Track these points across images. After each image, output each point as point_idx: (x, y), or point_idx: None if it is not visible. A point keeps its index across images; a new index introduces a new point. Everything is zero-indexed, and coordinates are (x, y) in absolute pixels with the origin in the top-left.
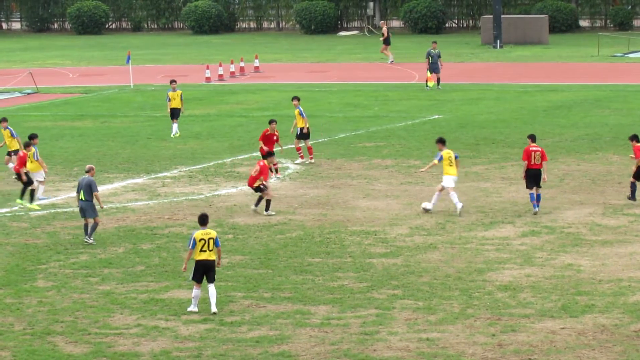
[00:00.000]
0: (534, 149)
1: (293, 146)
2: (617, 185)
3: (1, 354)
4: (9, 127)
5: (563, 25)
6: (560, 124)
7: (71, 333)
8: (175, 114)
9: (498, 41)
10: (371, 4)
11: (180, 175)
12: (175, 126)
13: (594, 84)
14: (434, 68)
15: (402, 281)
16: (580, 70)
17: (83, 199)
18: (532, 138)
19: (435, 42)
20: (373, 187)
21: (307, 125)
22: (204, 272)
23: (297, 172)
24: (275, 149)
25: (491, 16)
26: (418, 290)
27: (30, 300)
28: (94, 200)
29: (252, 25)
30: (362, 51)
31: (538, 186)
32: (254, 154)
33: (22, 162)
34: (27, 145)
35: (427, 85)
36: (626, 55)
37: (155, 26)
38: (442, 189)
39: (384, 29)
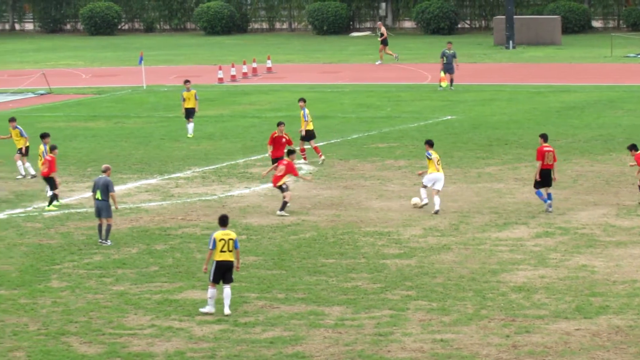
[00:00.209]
0: (547, 149)
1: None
2: (631, 186)
3: (16, 354)
4: (18, 126)
5: (576, 26)
6: (574, 125)
7: (85, 333)
8: (189, 113)
9: (511, 42)
10: (383, 5)
11: (194, 176)
12: (190, 126)
13: (607, 85)
14: (448, 68)
15: (416, 282)
16: (593, 71)
17: (99, 198)
18: (544, 138)
19: (450, 43)
20: (386, 188)
21: (305, 128)
22: (223, 273)
23: (310, 173)
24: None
25: (504, 17)
26: (432, 291)
27: (44, 301)
28: (110, 201)
29: (265, 26)
30: (375, 52)
31: (548, 186)
32: (267, 155)
33: (52, 166)
34: (53, 149)
35: (440, 86)
36: (639, 56)
37: (168, 27)
38: (438, 192)
39: (382, 29)
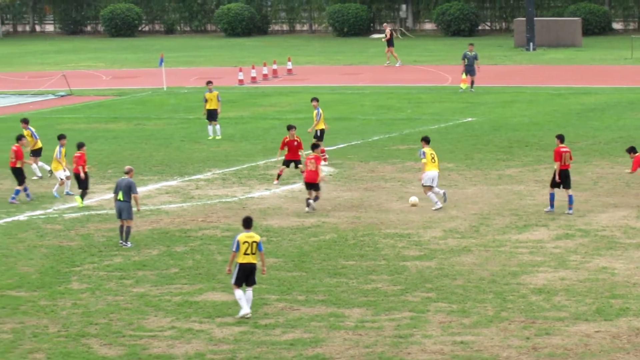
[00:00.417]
0: (564, 149)
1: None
2: None
3: (36, 356)
4: (30, 127)
5: (596, 27)
6: (594, 127)
7: (105, 335)
8: (212, 115)
9: (531, 44)
10: (404, 7)
11: (214, 178)
12: (216, 128)
13: (628, 87)
14: (469, 70)
15: (436, 284)
16: (613, 72)
17: (121, 199)
18: (561, 138)
19: (472, 44)
20: (407, 189)
21: (317, 127)
22: (246, 275)
23: (330, 175)
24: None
25: (524, 19)
26: (452, 293)
27: (64, 303)
28: (132, 202)
29: (285, 27)
30: (395, 53)
31: (566, 187)
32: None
33: (81, 162)
34: (80, 147)
35: (461, 88)
36: None
37: (188, 28)
38: (431, 187)
39: (387, 31)
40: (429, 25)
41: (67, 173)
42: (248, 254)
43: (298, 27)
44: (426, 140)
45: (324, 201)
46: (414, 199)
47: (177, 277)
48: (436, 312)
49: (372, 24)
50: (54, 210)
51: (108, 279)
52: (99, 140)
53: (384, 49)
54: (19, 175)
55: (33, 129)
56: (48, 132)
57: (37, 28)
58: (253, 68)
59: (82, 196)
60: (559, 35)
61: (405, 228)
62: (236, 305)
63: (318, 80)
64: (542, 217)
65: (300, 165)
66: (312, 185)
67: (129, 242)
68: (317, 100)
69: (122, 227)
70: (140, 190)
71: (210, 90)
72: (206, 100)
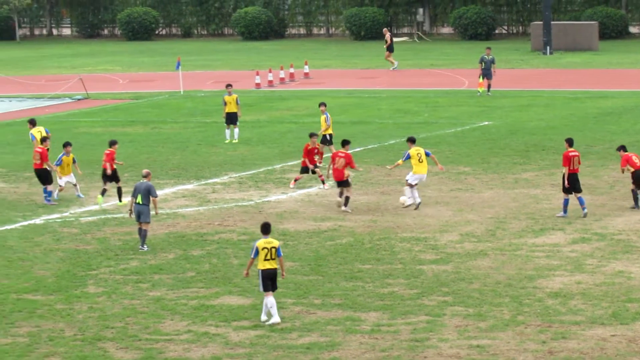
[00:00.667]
0: (573, 153)
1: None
2: None
3: None
4: (32, 132)
5: (613, 31)
6: (611, 131)
7: (122, 339)
8: (231, 118)
9: (548, 47)
10: (421, 10)
11: (230, 182)
12: (235, 131)
13: None
14: (486, 74)
15: (453, 288)
16: (630, 76)
17: (140, 202)
18: (570, 142)
19: (489, 48)
20: (423, 193)
21: (324, 131)
22: (271, 280)
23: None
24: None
25: (541, 22)
26: (468, 297)
27: (80, 306)
28: (150, 205)
29: (302, 31)
30: (412, 57)
31: (577, 191)
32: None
33: (111, 159)
34: (113, 144)
35: (478, 91)
36: None
37: (205, 32)
38: (411, 185)
39: (387, 36)
40: (445, 29)
41: (62, 182)
42: (268, 259)
43: (315, 30)
44: (412, 140)
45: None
46: (403, 199)
47: (193, 281)
48: (452, 315)
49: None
50: (71, 213)
51: (124, 283)
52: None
53: (395, 53)
54: (45, 176)
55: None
56: (65, 135)
57: (54, 31)
58: (270, 72)
59: (119, 194)
60: (575, 39)
61: (421, 232)
62: (253, 309)
63: (335, 84)
64: (559, 221)
65: (317, 170)
66: (342, 183)
67: (145, 246)
68: (324, 105)
69: (140, 229)
70: (157, 193)
71: (230, 94)
72: (225, 104)
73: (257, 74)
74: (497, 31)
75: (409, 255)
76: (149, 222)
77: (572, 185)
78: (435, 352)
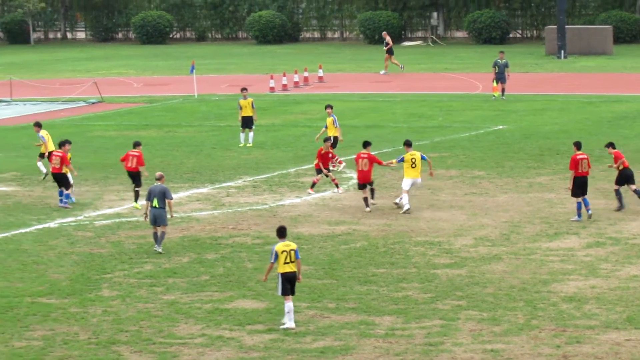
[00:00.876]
0: (581, 156)
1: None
2: None
3: None
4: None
5: (627, 35)
6: (625, 135)
7: (136, 342)
8: (247, 122)
9: (562, 52)
10: (435, 14)
11: (245, 185)
12: (249, 135)
13: None
14: (500, 78)
15: (467, 292)
16: None
17: (156, 206)
18: (578, 145)
19: (502, 52)
20: (437, 197)
21: (339, 135)
22: (291, 283)
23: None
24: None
25: (555, 26)
26: (482, 301)
27: (95, 310)
28: (166, 208)
29: (316, 35)
30: (426, 61)
31: (584, 194)
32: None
33: (140, 161)
34: (137, 145)
35: (493, 96)
36: None
37: (219, 36)
38: (405, 190)
39: (387, 39)
40: (460, 33)
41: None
42: (288, 263)
43: (329, 34)
44: (408, 144)
45: (355, 209)
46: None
47: (207, 285)
48: (467, 320)
49: (403, 32)
50: (85, 217)
51: (138, 286)
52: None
53: (410, 57)
54: (64, 180)
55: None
56: (79, 139)
57: (69, 35)
58: (284, 75)
59: (136, 197)
60: (590, 43)
61: (435, 236)
62: (267, 312)
63: (349, 87)
64: (573, 225)
65: (330, 174)
66: (366, 184)
67: (160, 247)
68: (331, 107)
69: (155, 233)
70: (172, 196)
71: (245, 97)
72: (241, 108)
73: (272, 77)
74: (511, 35)
75: (423, 259)
76: (166, 225)
77: (581, 187)
78: (449, 356)
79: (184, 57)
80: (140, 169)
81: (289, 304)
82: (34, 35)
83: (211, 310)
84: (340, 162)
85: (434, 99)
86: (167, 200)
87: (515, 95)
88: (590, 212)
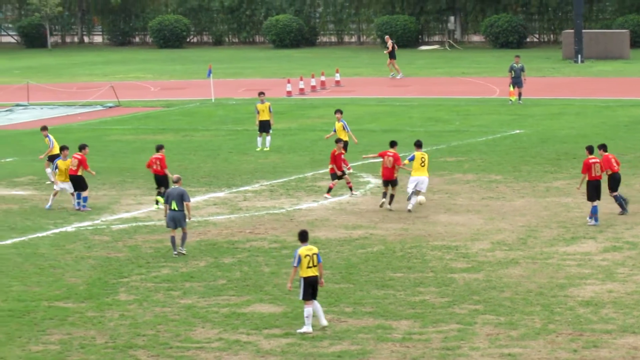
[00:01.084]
0: (594, 160)
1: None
2: None
3: None
4: (49, 135)
5: None
6: None
7: (153, 347)
8: (264, 126)
9: (579, 56)
10: (452, 18)
11: (262, 189)
12: (266, 139)
13: None
14: (516, 82)
15: (484, 296)
16: None
17: (175, 208)
18: (590, 150)
19: (517, 56)
20: (454, 201)
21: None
22: (313, 288)
23: (378, 187)
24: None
25: (572, 31)
26: (499, 305)
27: (112, 314)
28: (185, 210)
29: (333, 39)
30: (443, 65)
31: (599, 198)
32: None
33: (163, 164)
34: (159, 148)
35: (510, 100)
36: None
37: (236, 40)
38: (414, 191)
39: (389, 43)
40: (477, 37)
41: (58, 187)
42: (311, 267)
43: (346, 38)
44: (418, 145)
45: (372, 213)
46: (421, 199)
47: (224, 289)
48: (483, 324)
49: (420, 36)
50: (102, 221)
51: (155, 290)
52: (146, 152)
53: (427, 61)
54: (81, 182)
55: (51, 137)
56: (96, 143)
57: (86, 39)
58: (301, 79)
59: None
60: (607, 48)
61: (452, 240)
62: (284, 317)
63: (366, 91)
64: (590, 230)
65: (346, 176)
66: (389, 182)
67: (184, 249)
68: (341, 112)
69: (173, 237)
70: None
71: (262, 102)
72: (258, 112)
73: (289, 81)
74: (528, 39)
75: (440, 263)
76: (185, 227)
77: (595, 191)
78: None
79: (201, 61)
80: (166, 171)
81: (308, 309)
82: (51, 39)
83: (228, 314)
84: (348, 168)
85: (451, 103)
86: (185, 203)
87: (532, 99)
88: (597, 223)
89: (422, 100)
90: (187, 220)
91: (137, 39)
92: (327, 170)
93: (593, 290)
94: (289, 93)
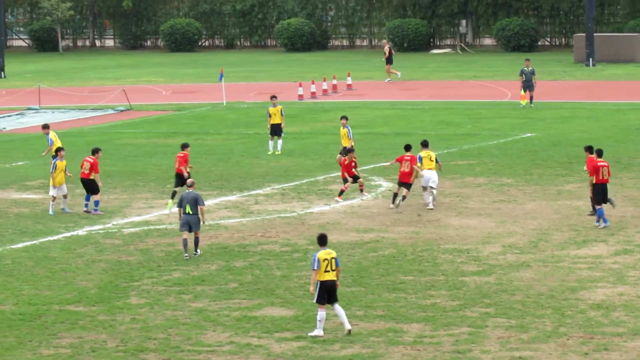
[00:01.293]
0: (602, 163)
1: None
2: None
3: None
4: (48, 134)
5: None
6: None
7: (164, 350)
8: (275, 130)
9: (591, 59)
10: (464, 22)
11: (273, 193)
12: (278, 143)
13: None
14: (527, 86)
15: (495, 299)
16: None
17: (190, 212)
18: (599, 153)
19: (528, 60)
20: (465, 205)
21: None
22: (329, 292)
23: (389, 190)
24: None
25: (584, 34)
26: (510, 308)
27: (123, 317)
28: (199, 214)
29: (345, 42)
30: (455, 69)
31: (606, 202)
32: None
33: (184, 161)
34: (185, 147)
35: (521, 104)
36: None
37: (248, 44)
38: (425, 189)
39: (386, 48)
40: (488, 41)
41: (54, 192)
42: (328, 271)
43: (358, 42)
44: (424, 144)
45: (383, 216)
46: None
47: (235, 292)
48: (495, 327)
49: (432, 40)
50: (113, 225)
51: (167, 294)
52: (157, 155)
53: (438, 64)
54: (92, 186)
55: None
56: (107, 146)
57: (97, 43)
58: (313, 83)
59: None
60: (618, 51)
61: (464, 243)
62: (295, 320)
63: (377, 95)
64: (601, 233)
65: (360, 180)
66: (404, 184)
67: (198, 251)
68: (346, 118)
69: (185, 240)
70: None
71: (275, 105)
72: (270, 115)
73: (300, 85)
74: (539, 43)
75: (452, 266)
76: (198, 231)
77: (602, 195)
78: None
79: (213, 65)
80: (181, 169)
81: (322, 313)
82: (62, 43)
83: (239, 317)
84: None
85: (462, 107)
86: (199, 207)
87: (543, 102)
88: (607, 224)
89: (433, 103)
90: (201, 224)
91: (148, 43)
92: (338, 174)
93: (604, 293)
94: (300, 97)
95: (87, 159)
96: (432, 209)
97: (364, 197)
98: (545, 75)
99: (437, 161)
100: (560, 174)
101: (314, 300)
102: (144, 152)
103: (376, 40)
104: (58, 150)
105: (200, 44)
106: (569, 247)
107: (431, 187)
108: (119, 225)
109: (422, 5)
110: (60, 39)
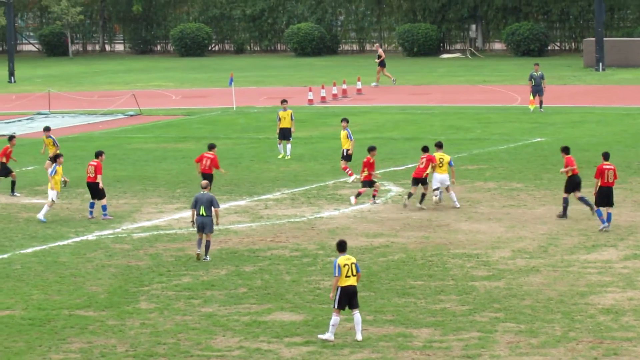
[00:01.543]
0: (607, 167)
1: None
2: None
3: None
4: (51, 135)
5: None
6: None
7: (173, 355)
8: (284, 134)
9: (600, 64)
10: (473, 27)
11: (283, 198)
12: (287, 147)
13: None
14: (537, 90)
15: (504, 304)
16: None
17: (204, 214)
18: (605, 156)
19: (537, 64)
20: (475, 209)
21: (351, 149)
22: (349, 298)
23: (399, 195)
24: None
25: (593, 39)
26: (520, 313)
27: (132, 322)
28: (213, 216)
29: (355, 47)
30: (465, 73)
31: (610, 205)
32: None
33: (215, 164)
34: (212, 147)
35: (530, 109)
36: None
37: (258, 48)
38: (434, 189)
39: (380, 51)
40: (498, 45)
41: (54, 197)
42: (349, 277)
43: (368, 47)
44: (439, 145)
45: (393, 221)
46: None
47: (245, 297)
48: (504, 332)
49: (441, 44)
50: (123, 229)
51: (176, 299)
52: (167, 160)
53: (448, 69)
54: (98, 190)
55: (54, 137)
56: (117, 151)
57: (107, 47)
58: (323, 88)
59: None
60: (628, 56)
61: (473, 248)
62: (305, 325)
63: (387, 100)
64: (611, 238)
65: (377, 184)
66: (418, 180)
67: (208, 257)
68: (347, 121)
69: (200, 240)
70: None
71: (285, 109)
72: (279, 119)
73: (310, 90)
74: (549, 47)
75: (461, 271)
76: (212, 233)
77: (605, 198)
78: None
79: (223, 70)
80: (214, 170)
81: (336, 318)
82: (72, 48)
83: (249, 322)
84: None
85: (472, 111)
86: (214, 209)
87: (553, 107)
88: (607, 226)
89: (443, 108)
90: (214, 226)
91: (158, 47)
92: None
93: (614, 298)
94: (310, 101)
95: (91, 162)
96: (438, 201)
97: (375, 202)
98: (555, 80)
99: (450, 164)
100: None
101: (333, 306)
102: (154, 157)
103: (386, 45)
104: (57, 156)
105: (210, 48)
106: (579, 251)
107: (441, 188)
108: (129, 230)
109: (432, 9)
110: (70, 44)
